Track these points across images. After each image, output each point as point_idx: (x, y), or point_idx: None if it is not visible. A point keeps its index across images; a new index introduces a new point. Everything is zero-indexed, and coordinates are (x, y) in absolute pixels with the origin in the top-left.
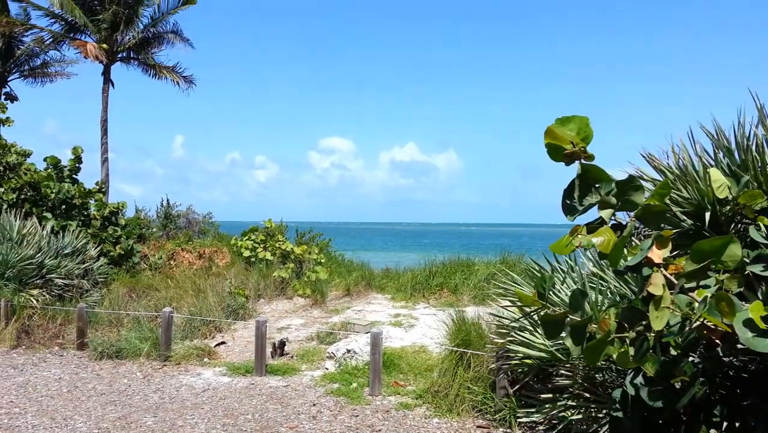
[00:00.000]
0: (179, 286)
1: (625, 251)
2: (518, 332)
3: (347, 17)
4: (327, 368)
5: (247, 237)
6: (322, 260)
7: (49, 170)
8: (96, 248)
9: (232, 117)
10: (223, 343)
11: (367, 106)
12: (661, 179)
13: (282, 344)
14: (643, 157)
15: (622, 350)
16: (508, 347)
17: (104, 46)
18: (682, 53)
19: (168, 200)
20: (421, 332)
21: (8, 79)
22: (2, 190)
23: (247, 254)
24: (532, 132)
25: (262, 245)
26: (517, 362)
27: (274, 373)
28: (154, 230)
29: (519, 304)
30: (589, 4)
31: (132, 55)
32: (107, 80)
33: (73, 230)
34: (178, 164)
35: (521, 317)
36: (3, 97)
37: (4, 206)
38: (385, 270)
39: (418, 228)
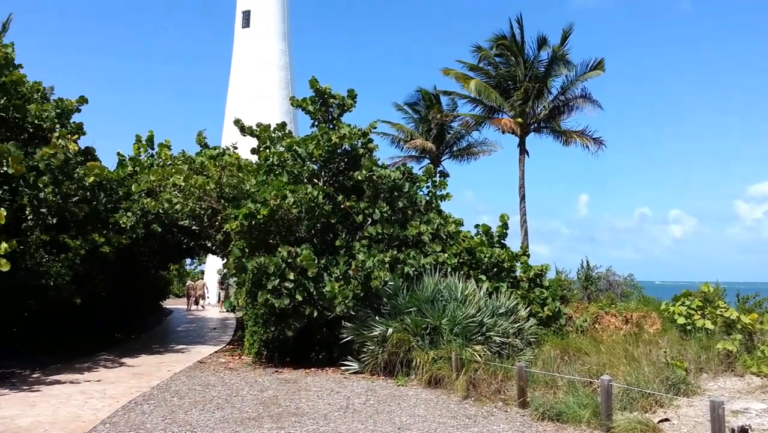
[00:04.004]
0: (609, 352)
1: None
2: None
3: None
4: None
5: (680, 302)
6: None
7: (481, 236)
8: (525, 309)
9: (639, 172)
10: (666, 420)
11: None
12: None
13: (744, 431)
14: None
15: None
16: None
17: (518, 120)
18: None
19: (588, 262)
20: None
21: (441, 159)
22: (446, 255)
23: (681, 321)
24: None
25: (699, 312)
26: None
27: None
28: (575, 291)
29: None
30: None
31: (542, 125)
32: (522, 151)
33: (504, 291)
34: (583, 223)
35: None
36: (438, 175)
37: (449, 269)
38: None
39: None
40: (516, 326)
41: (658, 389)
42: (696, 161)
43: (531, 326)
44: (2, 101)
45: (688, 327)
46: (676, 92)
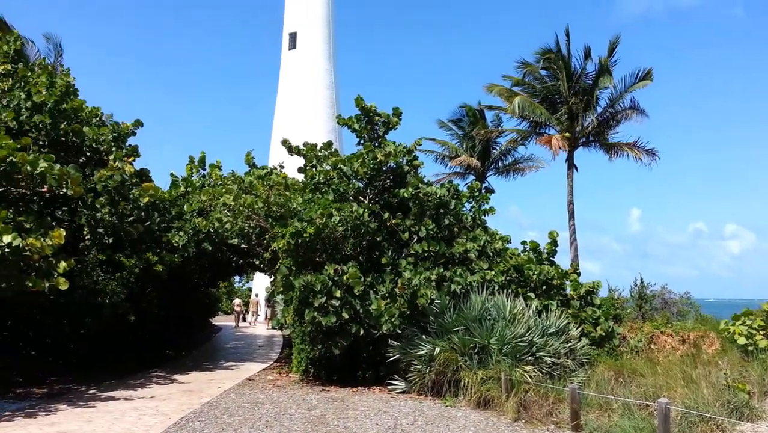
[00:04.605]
0: (666, 373)
1: None
2: None
3: None
4: None
5: (740, 321)
6: None
7: (528, 253)
8: (577, 328)
9: (692, 185)
10: None
11: None
12: None
13: None
14: None
15: None
16: None
17: (566, 134)
18: None
19: (642, 280)
20: None
21: (486, 176)
22: (494, 273)
23: (742, 341)
24: None
25: (761, 331)
26: None
27: None
28: (629, 310)
29: None
30: None
31: (590, 138)
32: (571, 166)
33: (554, 310)
34: (635, 239)
35: None
36: (483, 190)
37: (496, 287)
38: None
39: None
40: (567, 346)
41: (718, 413)
42: (752, 173)
43: (583, 346)
44: (63, 126)
45: (750, 348)
46: (730, 100)
